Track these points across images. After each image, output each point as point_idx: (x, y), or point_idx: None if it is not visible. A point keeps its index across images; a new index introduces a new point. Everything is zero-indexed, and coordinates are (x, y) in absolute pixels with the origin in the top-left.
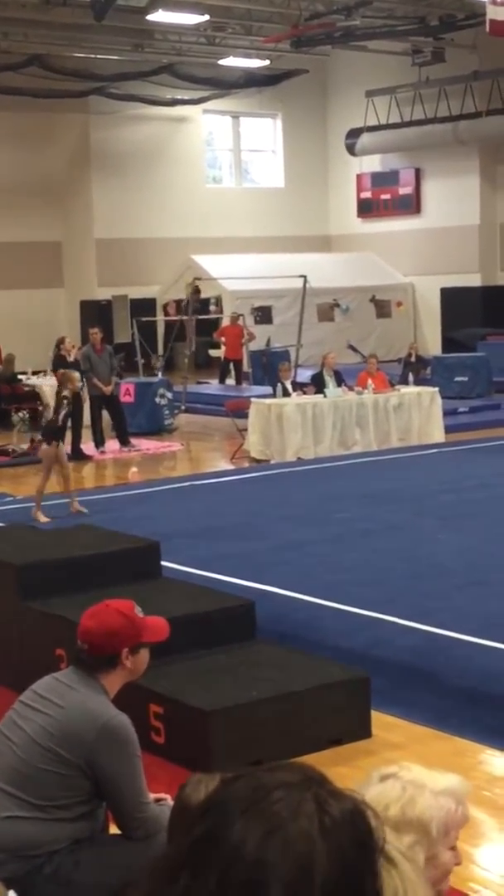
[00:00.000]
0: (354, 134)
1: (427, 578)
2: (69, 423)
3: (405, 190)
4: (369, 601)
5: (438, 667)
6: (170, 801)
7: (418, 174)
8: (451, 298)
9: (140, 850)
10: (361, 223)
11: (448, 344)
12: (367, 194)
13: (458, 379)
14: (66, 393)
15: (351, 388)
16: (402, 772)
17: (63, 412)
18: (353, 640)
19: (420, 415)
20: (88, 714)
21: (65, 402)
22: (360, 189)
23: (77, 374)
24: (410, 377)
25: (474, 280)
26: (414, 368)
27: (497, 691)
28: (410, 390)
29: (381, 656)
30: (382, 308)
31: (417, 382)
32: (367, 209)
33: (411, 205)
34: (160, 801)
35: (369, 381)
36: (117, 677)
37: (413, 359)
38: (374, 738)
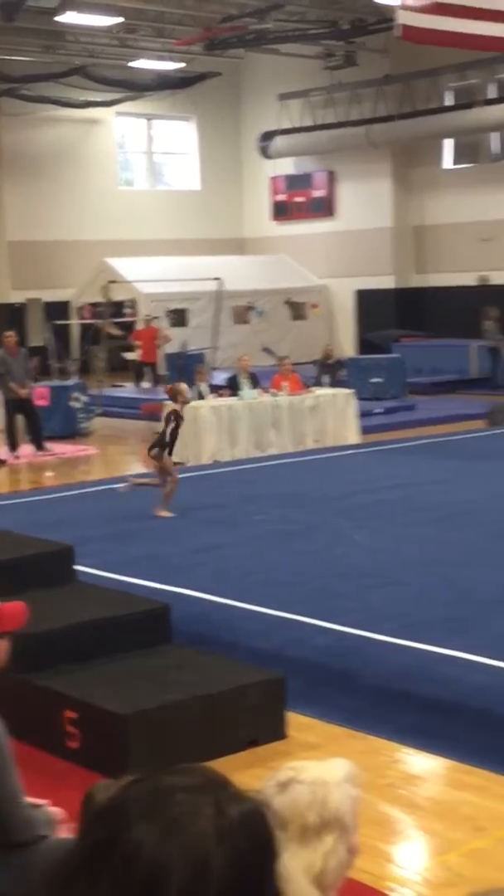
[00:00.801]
0: (268, 137)
1: (342, 579)
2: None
3: (319, 193)
4: (284, 602)
5: (353, 667)
6: (45, 805)
7: (331, 177)
8: (366, 300)
9: (38, 855)
10: (276, 226)
11: (363, 345)
12: (281, 197)
13: (373, 380)
14: (176, 406)
15: (266, 391)
16: (300, 774)
17: (171, 426)
18: (269, 640)
19: (335, 416)
20: None
21: (172, 416)
22: (274, 192)
23: (185, 387)
24: (325, 379)
25: (388, 282)
26: (331, 370)
27: (411, 690)
28: (325, 392)
29: (297, 657)
30: (297, 310)
31: (334, 384)
32: (281, 212)
33: (325, 207)
34: (37, 807)
35: (283, 384)
36: None
37: (330, 360)
38: (290, 738)
